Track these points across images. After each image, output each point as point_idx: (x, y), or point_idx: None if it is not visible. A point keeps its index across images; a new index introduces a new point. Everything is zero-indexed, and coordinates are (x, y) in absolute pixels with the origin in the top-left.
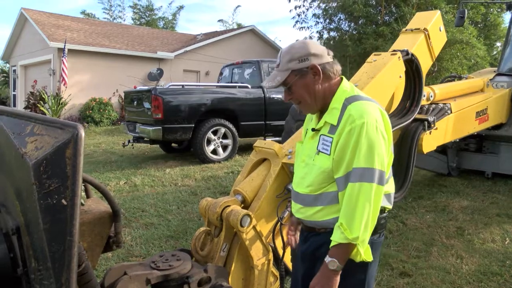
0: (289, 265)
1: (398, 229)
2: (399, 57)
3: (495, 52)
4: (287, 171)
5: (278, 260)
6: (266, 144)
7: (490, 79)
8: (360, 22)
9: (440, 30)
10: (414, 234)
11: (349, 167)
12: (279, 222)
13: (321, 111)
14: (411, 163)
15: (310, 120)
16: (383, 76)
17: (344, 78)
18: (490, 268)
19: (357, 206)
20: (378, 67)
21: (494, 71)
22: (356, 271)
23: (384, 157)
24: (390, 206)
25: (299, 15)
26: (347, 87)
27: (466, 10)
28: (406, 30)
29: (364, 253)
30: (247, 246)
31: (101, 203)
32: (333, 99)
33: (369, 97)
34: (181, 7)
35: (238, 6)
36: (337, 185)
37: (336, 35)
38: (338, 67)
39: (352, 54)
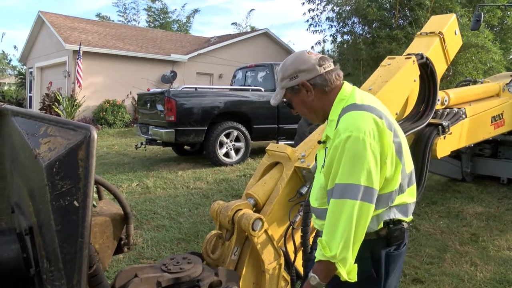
0: (301, 269)
1: (411, 235)
2: (413, 61)
3: (511, 56)
4: (299, 175)
5: (289, 265)
6: (278, 147)
7: (506, 84)
8: (374, 26)
9: (456, 34)
10: (427, 240)
11: (332, 183)
12: (291, 226)
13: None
14: (425, 168)
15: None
16: (397, 80)
17: (346, 83)
18: (506, 276)
19: (337, 224)
20: (392, 71)
21: (511, 75)
22: (368, 285)
23: (372, 172)
24: (406, 218)
25: (312, 18)
26: (345, 94)
27: (482, 14)
28: (421, 33)
29: (346, 273)
30: (258, 250)
31: (113, 205)
32: (331, 110)
33: (368, 105)
34: (196, 11)
35: (252, 9)
36: (327, 197)
37: (349, 38)
38: (333, 76)
39: (366, 57)
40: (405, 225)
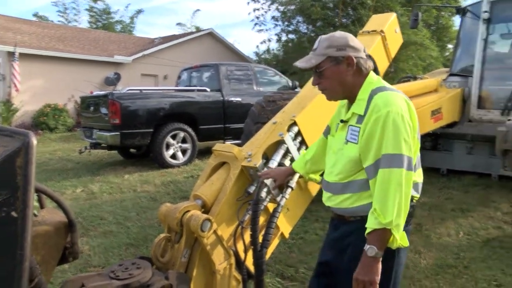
0: (251, 268)
1: None
2: None
3: (447, 53)
4: (246, 174)
5: (240, 264)
6: (225, 147)
7: (444, 79)
8: (318, 25)
9: (396, 32)
10: None
11: (378, 155)
12: (240, 226)
13: (350, 102)
14: None
15: (339, 115)
16: None
17: (372, 72)
18: (446, 261)
19: (389, 192)
20: None
21: (447, 72)
22: (384, 258)
23: (410, 144)
24: (418, 195)
25: (257, 18)
26: (373, 79)
27: (420, 13)
28: (363, 32)
29: (400, 239)
30: (208, 251)
31: (56, 213)
32: (360, 90)
33: (395, 88)
34: (140, 11)
35: (197, 10)
36: (367, 173)
37: (294, 37)
38: (370, 64)
39: None
40: (415, 202)
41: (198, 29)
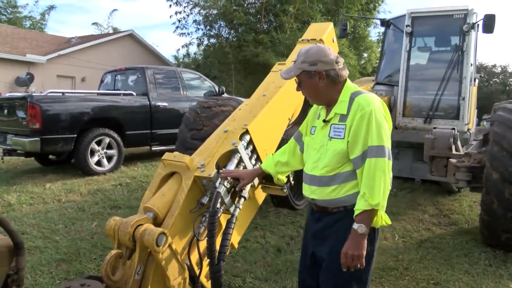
0: (204, 282)
1: (298, 235)
2: None
3: (363, 62)
4: (199, 185)
5: (194, 278)
6: (175, 156)
7: (372, 87)
8: (240, 30)
9: (333, 41)
10: None
11: (365, 146)
12: (195, 238)
13: (328, 105)
14: None
15: (316, 118)
16: (290, 85)
17: (348, 80)
18: (387, 264)
19: (375, 177)
20: None
21: (373, 80)
22: (373, 238)
23: (389, 137)
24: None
25: (179, 21)
26: (351, 85)
27: (348, 23)
28: (302, 40)
29: (384, 218)
30: (163, 266)
31: None
32: (340, 94)
33: (370, 92)
34: (52, 7)
35: (115, 9)
36: (354, 164)
37: (216, 42)
38: (344, 73)
39: (233, 61)
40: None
41: (116, 30)
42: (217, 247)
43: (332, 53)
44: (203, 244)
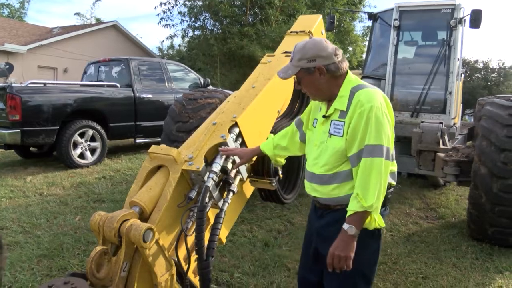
0: (192, 277)
1: (286, 229)
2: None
3: (347, 55)
4: (187, 178)
5: (181, 274)
6: (162, 149)
7: None
8: (225, 22)
9: (322, 33)
10: (302, 233)
11: (361, 145)
12: (183, 233)
13: (330, 100)
14: (302, 164)
15: (318, 110)
16: None
17: (349, 71)
18: None
19: (370, 178)
20: (273, 68)
21: (359, 74)
22: (372, 242)
23: (389, 136)
24: (394, 183)
25: (164, 12)
26: (352, 78)
27: (335, 16)
28: (291, 32)
29: (377, 220)
30: (150, 262)
31: None
32: (340, 89)
33: (372, 86)
34: None
35: (98, 0)
36: (351, 162)
37: (201, 33)
38: (344, 65)
39: (218, 53)
40: (392, 189)
41: (100, 21)
42: (206, 242)
43: (330, 45)
44: (191, 240)
